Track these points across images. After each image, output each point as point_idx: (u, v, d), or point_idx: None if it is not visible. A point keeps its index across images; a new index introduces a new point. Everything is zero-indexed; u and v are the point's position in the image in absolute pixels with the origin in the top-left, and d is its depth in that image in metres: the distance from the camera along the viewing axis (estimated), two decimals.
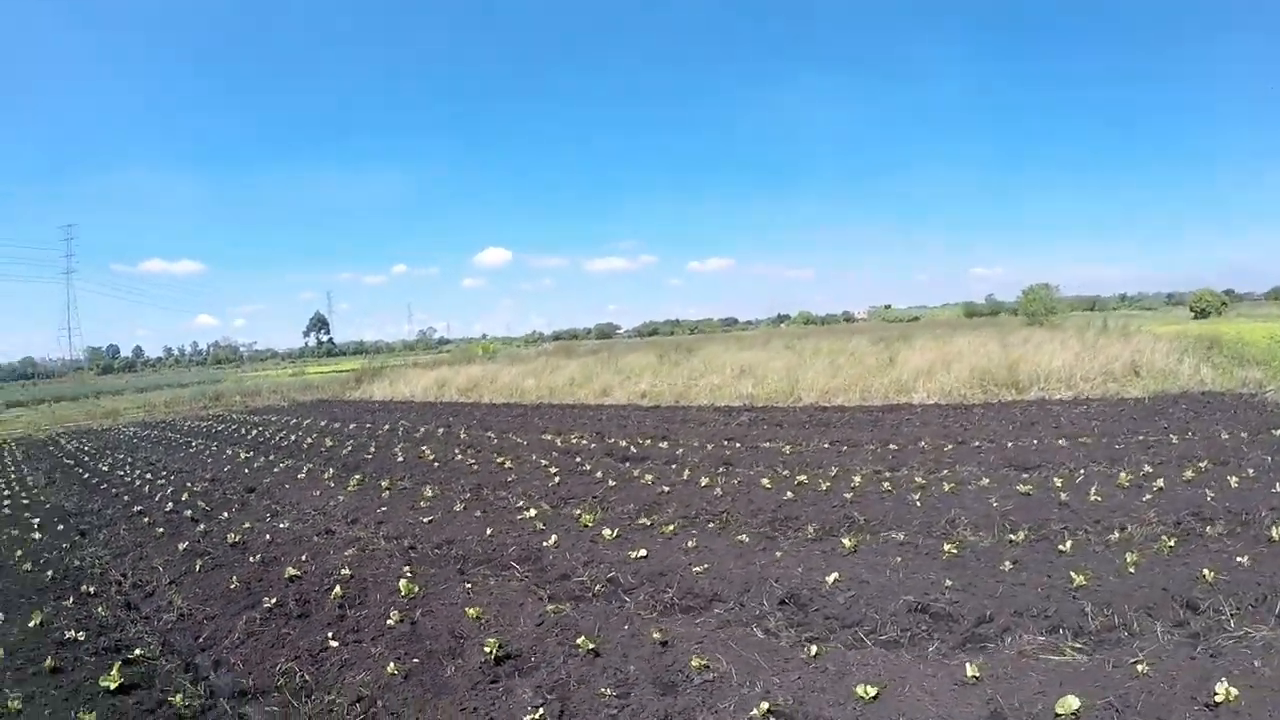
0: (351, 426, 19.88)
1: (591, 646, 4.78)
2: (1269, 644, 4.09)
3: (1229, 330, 28.41)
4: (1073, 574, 5.17)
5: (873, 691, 3.77)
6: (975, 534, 6.68)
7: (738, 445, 12.22)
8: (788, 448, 11.56)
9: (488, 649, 4.90)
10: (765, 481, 8.90)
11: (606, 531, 7.38)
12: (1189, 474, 7.81)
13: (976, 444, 10.73)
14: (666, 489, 9.18)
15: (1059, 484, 7.86)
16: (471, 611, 5.59)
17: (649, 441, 13.28)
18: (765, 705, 3.74)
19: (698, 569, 6.14)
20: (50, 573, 7.77)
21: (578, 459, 11.81)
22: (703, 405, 19.55)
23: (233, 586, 6.89)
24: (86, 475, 14.79)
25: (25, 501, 12.31)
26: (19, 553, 8.60)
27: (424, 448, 14.36)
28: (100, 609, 6.68)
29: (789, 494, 8.26)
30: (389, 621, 5.69)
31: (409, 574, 6.68)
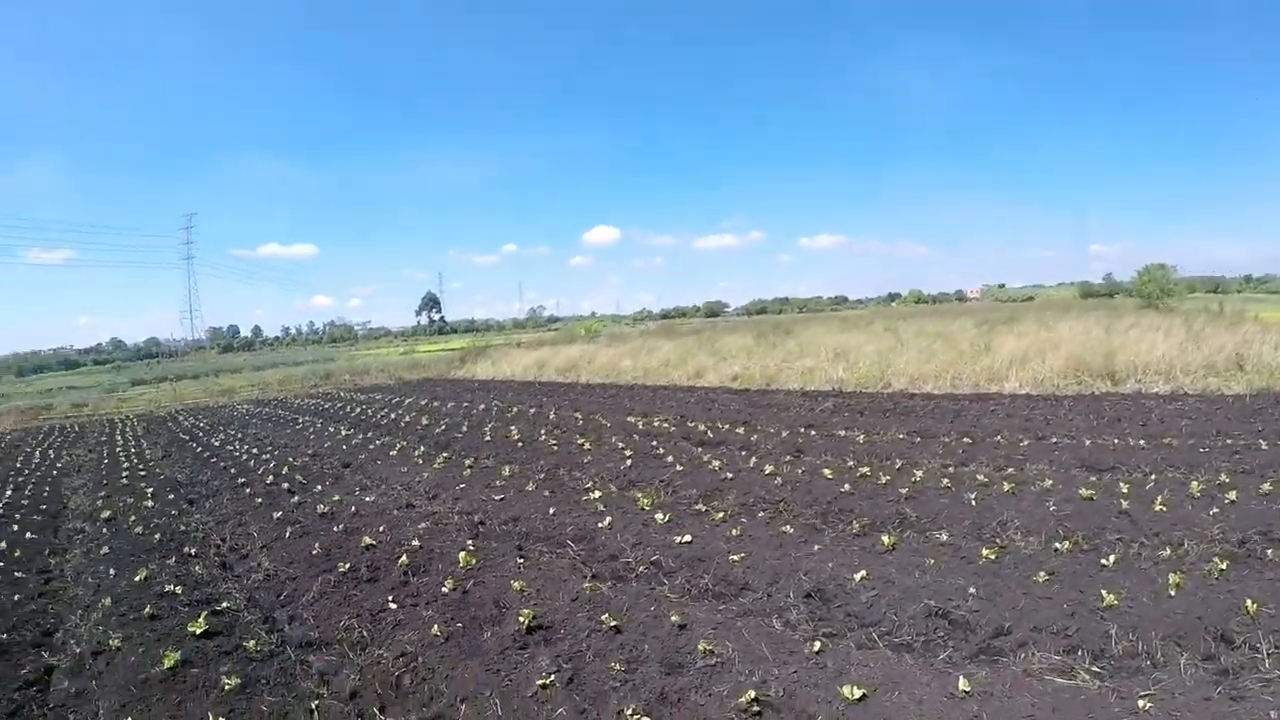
0: (450, 405, 20.80)
1: (615, 624, 5.03)
2: None
3: None
4: (1104, 591, 4.89)
5: (859, 693, 3.80)
6: (1023, 539, 6.42)
7: (813, 433, 12.14)
8: (862, 436, 11.42)
9: (522, 619, 5.23)
10: (827, 472, 8.85)
11: (660, 516, 7.58)
12: (1267, 486, 7.00)
13: (1054, 440, 10.24)
14: (730, 476, 9.27)
15: (1125, 490, 7.32)
16: (516, 585, 5.93)
17: (728, 426, 13.36)
18: (753, 694, 3.87)
19: (735, 557, 6.27)
20: (158, 535, 8.67)
21: (654, 442, 12.04)
22: (791, 389, 19.38)
23: (315, 552, 7.52)
24: (199, 449, 16.20)
25: (142, 473, 13.65)
26: (133, 518, 9.60)
27: (512, 427, 14.93)
28: (198, 568, 7.44)
29: (847, 486, 8.19)
30: (444, 589, 6.11)
31: (471, 547, 7.10)
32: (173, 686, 4.76)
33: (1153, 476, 7.95)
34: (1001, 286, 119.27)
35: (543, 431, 14.17)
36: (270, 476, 11.73)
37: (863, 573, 5.57)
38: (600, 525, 7.62)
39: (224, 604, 6.39)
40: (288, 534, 8.35)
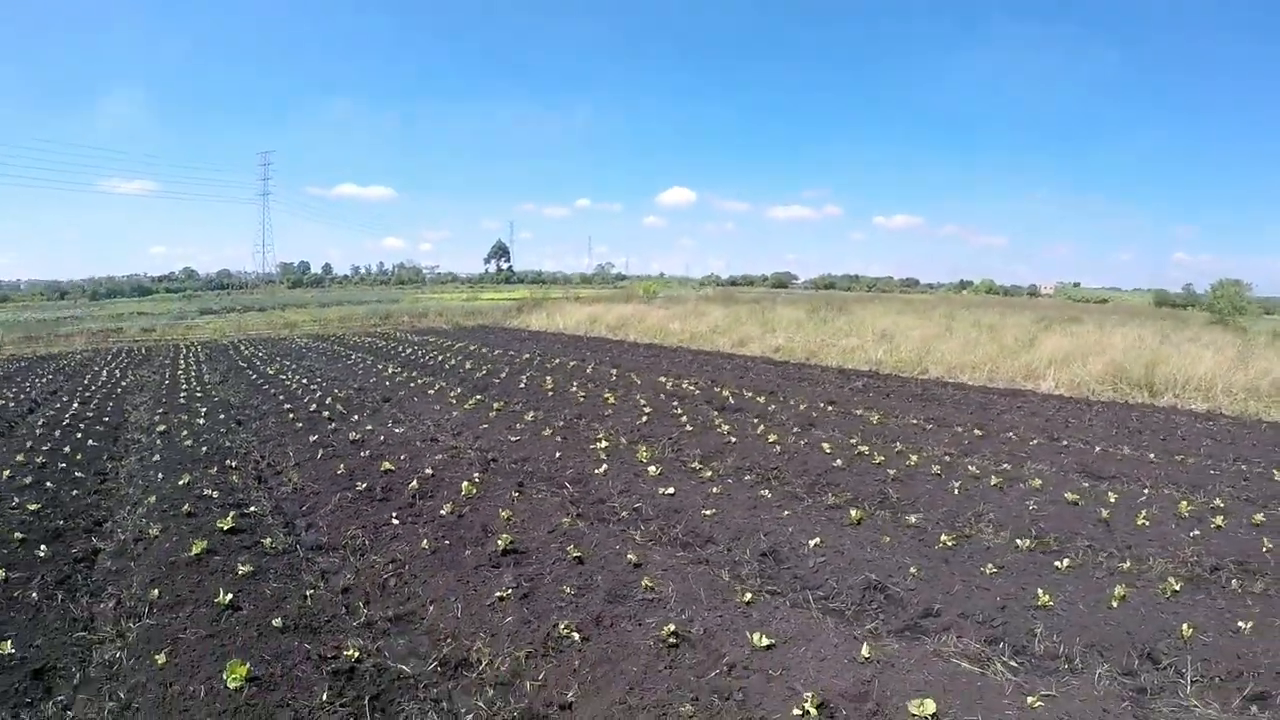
0: (496, 352, 21.59)
1: (578, 555, 5.58)
2: None
3: None
4: (1041, 591, 4.98)
5: (768, 642, 4.19)
6: (993, 532, 6.59)
7: (831, 409, 12.43)
8: (877, 417, 11.65)
9: (500, 543, 5.84)
10: (826, 446, 9.17)
11: (653, 469, 8.08)
12: (1260, 517, 6.75)
13: (1065, 443, 10.24)
14: (734, 440, 9.69)
15: (1113, 499, 7.21)
16: (505, 514, 6.54)
17: (752, 395, 13.71)
18: (673, 627, 4.36)
19: (707, 512, 6.74)
20: (205, 449, 9.57)
21: (675, 403, 12.50)
22: (829, 366, 19.53)
23: (339, 472, 8.28)
24: (254, 377, 17.32)
25: (199, 395, 14.74)
26: (184, 433, 10.56)
27: (548, 378, 15.55)
28: (235, 478, 8.28)
29: (839, 461, 8.49)
30: (442, 512, 6.78)
31: (477, 480, 7.72)
32: (196, 569, 5.51)
33: (1146, 491, 7.85)
34: (1076, 285, 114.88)
35: (575, 384, 14.75)
36: (314, 405, 12.63)
37: (817, 540, 5.94)
38: (597, 472, 8.18)
39: (252, 509, 7.18)
40: (319, 455, 9.14)
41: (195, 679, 3.90)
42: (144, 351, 25.87)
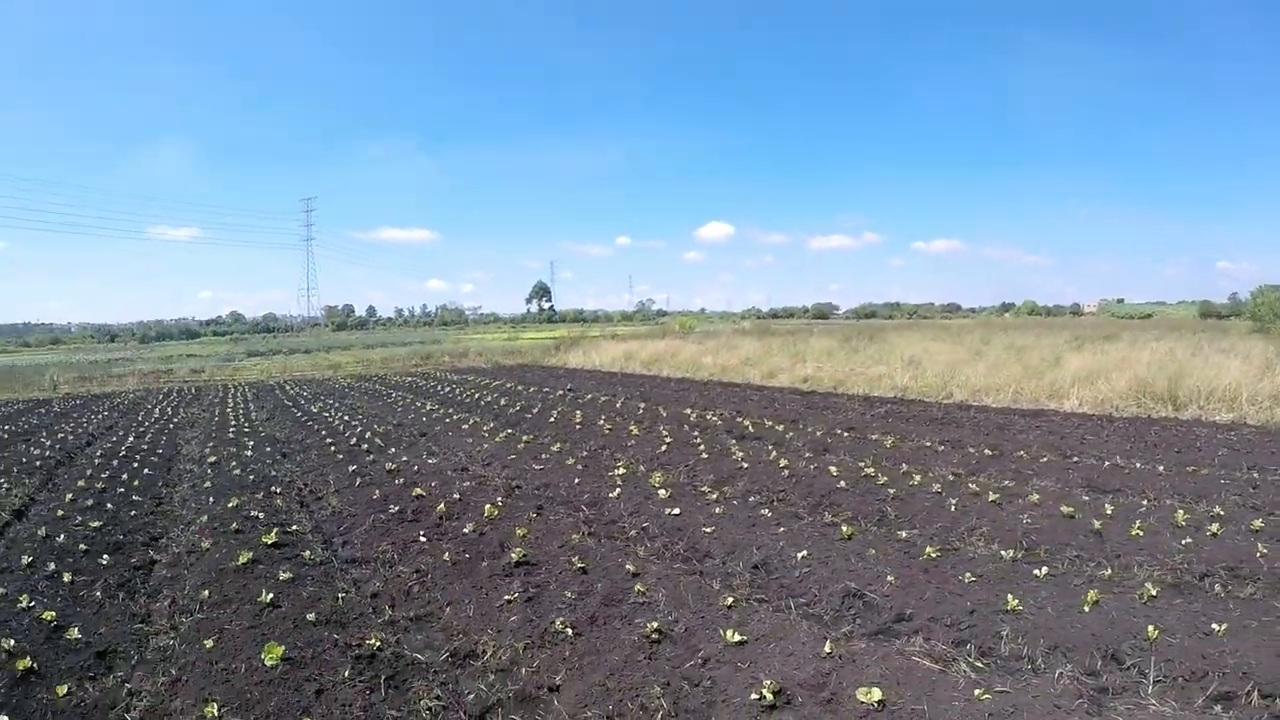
0: (531, 390, 22.33)
1: (582, 566, 6.10)
2: None
3: None
4: (1010, 597, 5.16)
5: (739, 638, 4.61)
6: (984, 544, 6.78)
7: (846, 435, 12.76)
8: (890, 441, 11.95)
9: (514, 556, 6.41)
10: (834, 469, 9.50)
11: (663, 493, 8.58)
12: (1259, 523, 6.71)
13: (1075, 459, 10.37)
14: (746, 465, 10.13)
15: (1109, 511, 7.25)
16: (520, 532, 7.10)
17: (772, 424, 14.11)
18: (657, 624, 4.85)
19: (707, 529, 7.20)
20: (252, 477, 10.37)
21: (696, 433, 12.99)
22: (854, 394, 19.85)
23: (374, 497, 8.96)
24: (299, 414, 18.29)
25: (246, 430, 15.70)
26: (233, 463, 11.38)
27: (578, 412, 16.17)
28: (279, 501, 9.01)
29: (843, 483, 8.83)
30: (465, 531, 7.37)
31: (499, 503, 8.31)
32: (242, 575, 6.17)
33: (1145, 502, 7.86)
34: (1120, 301, 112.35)
35: (603, 418, 15.32)
36: (354, 439, 13.41)
37: (804, 552, 6.34)
38: (611, 495, 8.71)
39: (294, 527, 7.88)
40: (357, 483, 9.84)
41: (238, 659, 4.52)
42: (194, 391, 27.21)
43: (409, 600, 5.92)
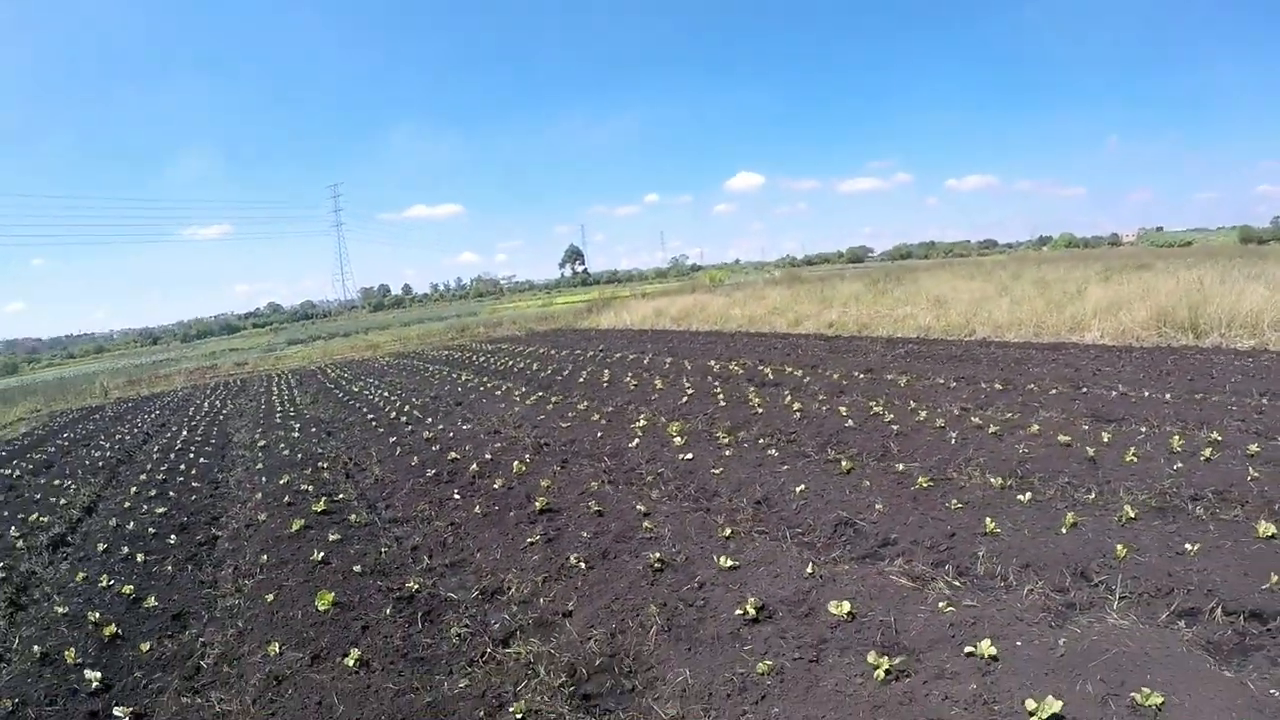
0: (563, 353, 22.92)
1: (599, 509, 6.70)
2: (1116, 636, 3.81)
3: None
4: (989, 520, 5.43)
5: (731, 564, 5.14)
6: (979, 475, 6.99)
7: (863, 377, 13.05)
8: (905, 380, 12.23)
9: (537, 504, 7.02)
10: (844, 410, 9.89)
11: (678, 440, 9.11)
12: (1254, 448, 6.66)
13: (1085, 390, 10.44)
14: (762, 411, 10.58)
15: (1106, 439, 7.35)
16: (545, 483, 7.71)
17: (792, 370, 14.46)
18: (659, 555, 5.42)
19: (716, 471, 7.73)
20: (300, 456, 11.18)
21: (717, 384, 13.45)
22: (877, 336, 20.02)
23: (413, 464, 9.66)
24: (340, 395, 19.20)
25: (292, 414, 16.63)
26: (282, 446, 12.22)
27: (606, 371, 16.73)
28: (326, 475, 9.77)
29: (851, 422, 9.25)
30: (495, 486, 8.02)
31: (527, 460, 8.95)
32: (295, 540, 6.89)
33: (1142, 429, 7.88)
34: (1159, 230, 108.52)
35: (629, 374, 15.86)
36: (394, 413, 14.19)
37: (802, 487, 6.83)
38: (630, 445, 9.27)
39: (340, 496, 8.61)
40: (397, 452, 10.56)
41: (294, 607, 5.21)
42: (239, 383, 28.40)
43: (444, 550, 6.58)
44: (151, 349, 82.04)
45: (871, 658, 3.71)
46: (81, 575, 6.71)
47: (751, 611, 4.46)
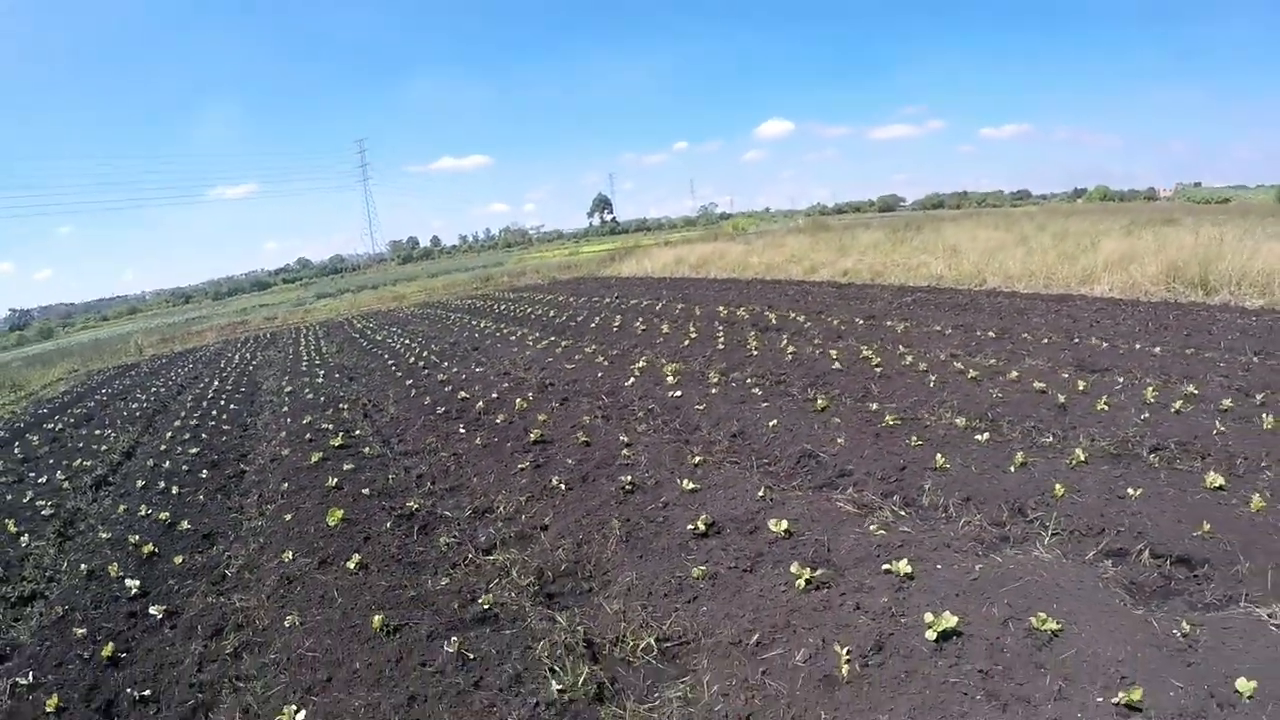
0: (580, 300, 23.46)
1: (586, 440, 7.30)
2: (1034, 568, 4.02)
3: None
4: (939, 456, 5.72)
5: (692, 487, 5.69)
6: (949, 416, 7.19)
7: (863, 323, 13.38)
8: (903, 327, 12.52)
9: (532, 436, 7.64)
10: (833, 353, 10.27)
11: (671, 379, 9.66)
12: (1228, 402, 6.67)
13: (1077, 340, 10.55)
14: (757, 353, 11.05)
15: (1082, 387, 7.49)
16: (541, 417, 8.32)
17: (796, 316, 14.84)
18: (631, 478, 6.02)
19: (699, 407, 8.26)
20: (323, 399, 11.97)
21: (721, 328, 13.86)
22: (889, 284, 20.22)
23: (426, 403, 10.33)
24: (365, 344, 20.09)
25: (318, 363, 17.50)
26: (307, 391, 13.06)
27: (618, 317, 17.25)
28: (346, 415, 10.52)
29: (837, 365, 9.67)
30: (497, 421, 8.65)
31: (529, 398, 9.56)
32: (314, 470, 7.62)
33: (1121, 380, 8.00)
34: (1197, 185, 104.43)
35: (639, 320, 16.37)
36: (413, 359, 14.94)
37: (774, 422, 7.31)
38: (626, 384, 9.84)
39: (357, 433, 9.33)
40: (412, 394, 11.25)
41: (308, 524, 5.92)
42: (269, 336, 29.45)
43: (446, 477, 7.26)
44: (184, 308, 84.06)
45: (794, 568, 4.24)
46: (122, 508, 7.52)
47: (702, 527, 5.03)
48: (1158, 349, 9.60)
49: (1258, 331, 10.73)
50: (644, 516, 5.45)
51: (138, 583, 5.41)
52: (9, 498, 8.73)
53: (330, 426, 9.68)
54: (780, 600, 4.09)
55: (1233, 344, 9.86)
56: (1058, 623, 3.45)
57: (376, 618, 4.17)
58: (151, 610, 5.00)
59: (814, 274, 24.45)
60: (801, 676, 3.45)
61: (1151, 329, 11.28)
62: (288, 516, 6.23)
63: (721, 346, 11.85)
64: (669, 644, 3.99)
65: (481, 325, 19.61)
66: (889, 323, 13.28)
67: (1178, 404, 6.73)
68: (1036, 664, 3.28)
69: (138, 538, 6.35)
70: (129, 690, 4.04)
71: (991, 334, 11.36)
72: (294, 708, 3.49)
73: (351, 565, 5.06)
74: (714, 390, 8.88)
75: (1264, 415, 6.18)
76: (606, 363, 11.60)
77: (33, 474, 9.86)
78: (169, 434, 11.00)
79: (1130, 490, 4.88)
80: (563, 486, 6.19)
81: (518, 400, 9.38)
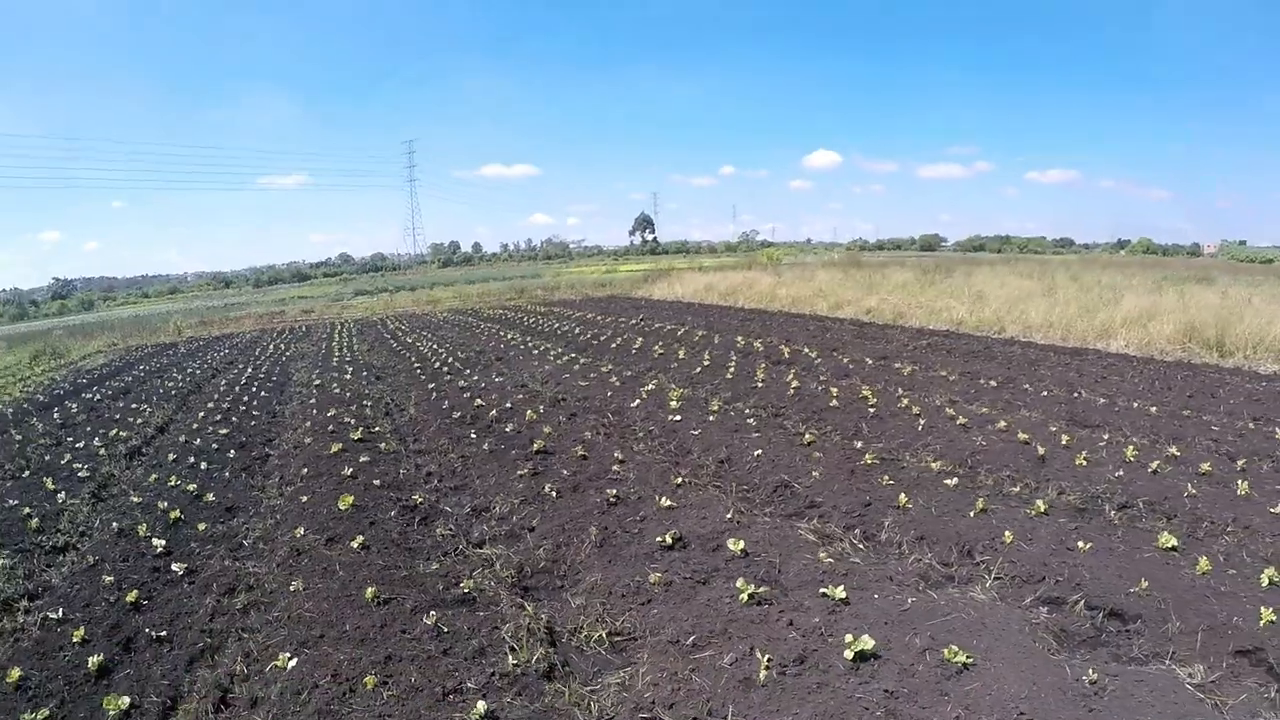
0: (607, 320, 24.13)
1: (583, 453, 7.87)
2: (964, 606, 4.37)
3: None
4: (902, 496, 6.13)
5: (669, 503, 6.24)
6: (928, 459, 7.56)
7: (872, 363, 13.77)
8: (909, 370, 12.90)
9: (535, 446, 8.23)
10: (834, 391, 10.72)
11: (674, 403, 10.19)
12: (1206, 466, 6.80)
13: (1076, 394, 10.77)
14: (762, 385, 11.54)
15: (1065, 441, 7.74)
16: (547, 429, 8.91)
17: (810, 351, 15.21)
18: (616, 492, 6.59)
19: (695, 432, 8.79)
20: (349, 395, 12.72)
21: (734, 357, 14.37)
22: (909, 326, 20.52)
23: (444, 407, 10.97)
24: (395, 345, 20.92)
25: (348, 360, 18.30)
26: (335, 386, 13.83)
27: (639, 339, 17.86)
28: (368, 412, 11.21)
29: (835, 402, 10.10)
30: (506, 430, 9.25)
31: (540, 411, 10.15)
32: (332, 459, 8.28)
33: (1105, 436, 8.14)
34: (1242, 244, 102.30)
35: (658, 344, 16.93)
36: (438, 364, 15.65)
37: (759, 452, 7.78)
38: (631, 405, 10.39)
39: (377, 428, 9.99)
40: (433, 397, 11.91)
41: (321, 506, 6.56)
42: (304, 329, 30.46)
43: (452, 476, 7.87)
44: (224, 292, 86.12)
45: (739, 584, 4.74)
46: (154, 477, 8.22)
47: (669, 541, 5.56)
48: (1154, 408, 9.69)
49: (1262, 397, 10.72)
50: (621, 527, 5.99)
51: (163, 542, 6.07)
52: (47, 458, 9.52)
53: (352, 421, 10.35)
54: (723, 611, 4.59)
55: (1234, 408, 9.89)
56: (969, 656, 3.80)
57: (370, 590, 4.78)
58: (173, 567, 5.64)
59: (838, 310, 24.81)
60: (725, 677, 3.94)
61: (1156, 388, 11.33)
62: (304, 498, 6.87)
63: (730, 376, 12.35)
64: (619, 638, 4.53)
65: (508, 337, 20.32)
66: (897, 364, 13.61)
67: (1155, 464, 6.87)
68: (941, 692, 3.66)
69: (166, 504, 7.03)
70: (147, 630, 4.67)
71: (994, 383, 11.61)
72: (288, 655, 4.10)
73: (355, 545, 5.67)
74: (712, 418, 9.39)
75: (1240, 481, 6.30)
76: (619, 383, 12.15)
77: (70, 439, 10.67)
78: (201, 414, 11.77)
79: (1080, 544, 5.14)
80: (554, 494, 6.76)
81: (529, 412, 9.98)
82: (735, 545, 5.34)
